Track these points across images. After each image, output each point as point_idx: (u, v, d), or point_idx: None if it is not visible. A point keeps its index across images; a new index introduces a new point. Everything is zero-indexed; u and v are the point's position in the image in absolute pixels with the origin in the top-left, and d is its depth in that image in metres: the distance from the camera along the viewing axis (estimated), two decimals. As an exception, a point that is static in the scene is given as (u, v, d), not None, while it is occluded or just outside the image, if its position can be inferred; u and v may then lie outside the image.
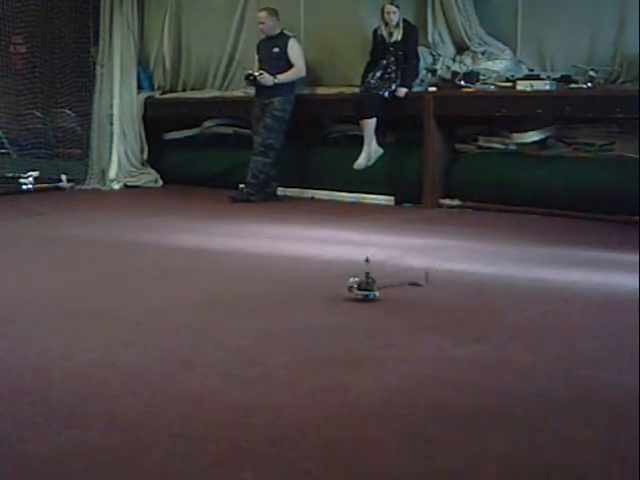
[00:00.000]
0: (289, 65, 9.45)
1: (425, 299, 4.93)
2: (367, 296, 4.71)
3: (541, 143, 8.50)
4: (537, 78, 8.38)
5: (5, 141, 11.40)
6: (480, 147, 8.90)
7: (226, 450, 2.80)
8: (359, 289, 4.71)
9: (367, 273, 4.73)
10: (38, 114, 11.51)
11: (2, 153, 11.42)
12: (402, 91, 8.87)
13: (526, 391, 3.38)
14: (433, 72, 9.15)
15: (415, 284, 5.00)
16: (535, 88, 8.23)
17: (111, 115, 11.26)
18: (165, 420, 3.06)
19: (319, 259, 6.17)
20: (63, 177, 10.60)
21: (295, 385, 3.45)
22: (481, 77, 8.71)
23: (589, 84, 8.01)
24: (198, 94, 11.21)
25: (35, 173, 10.28)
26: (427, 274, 5.01)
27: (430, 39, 9.21)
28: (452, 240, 6.96)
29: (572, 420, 3.05)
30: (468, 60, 8.97)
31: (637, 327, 4.14)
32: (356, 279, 4.73)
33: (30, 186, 10.17)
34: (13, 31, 11.13)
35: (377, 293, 4.72)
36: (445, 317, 4.56)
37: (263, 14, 9.56)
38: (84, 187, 11.19)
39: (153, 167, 11.39)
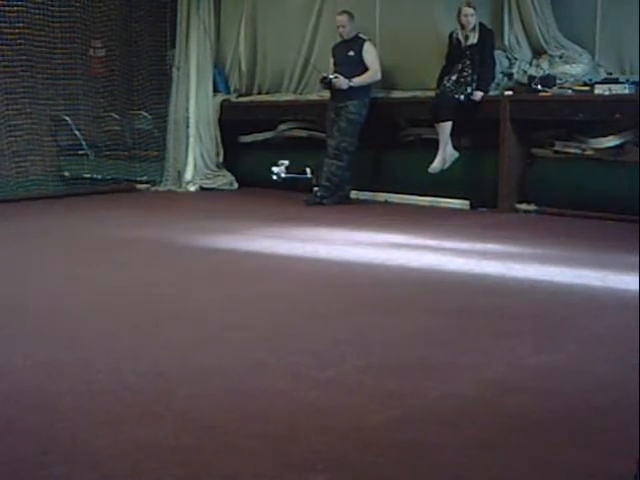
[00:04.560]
0: (364, 68, 9.45)
1: (502, 306, 4.90)
2: None
3: (618, 148, 8.38)
4: (615, 82, 8.27)
5: (83, 143, 11.57)
6: (557, 152, 8.79)
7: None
8: None
9: None
10: (115, 116, 11.67)
11: (80, 154, 11.60)
12: (478, 95, 8.83)
13: (600, 400, 3.36)
14: (509, 76, 9.08)
15: None
16: (613, 92, 8.12)
17: (187, 117, 11.38)
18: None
19: (391, 264, 6.16)
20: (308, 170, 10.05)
21: (369, 388, 3.46)
22: (558, 81, 8.61)
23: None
24: (273, 97, 11.27)
25: (286, 162, 10.04)
26: None
27: (506, 42, 9.14)
28: (528, 246, 6.90)
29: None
30: (545, 64, 8.88)
31: None
32: None
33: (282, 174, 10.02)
34: (93, 35, 11.32)
35: None
36: (521, 324, 4.53)
37: (344, 18, 9.55)
38: (160, 189, 11.34)
39: (228, 170, 11.48)
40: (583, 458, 2.80)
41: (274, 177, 9.94)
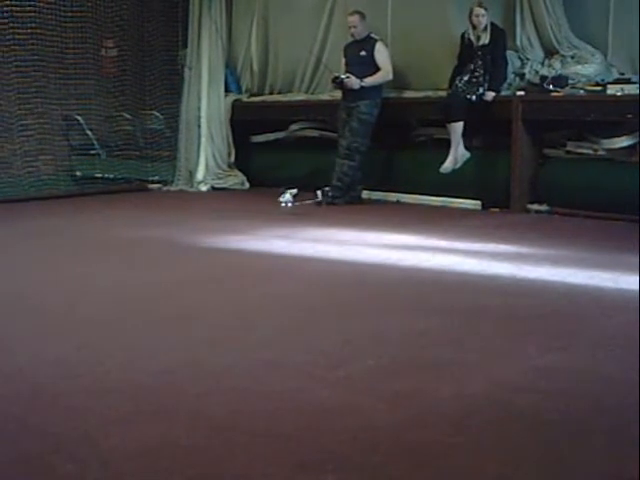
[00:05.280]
0: (376, 68, 9.43)
1: (513, 306, 4.89)
2: None
3: (631, 149, 8.35)
4: (628, 82, 8.25)
5: (95, 142, 11.59)
6: (569, 152, 8.77)
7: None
8: None
9: None
10: (127, 116, 11.69)
11: (92, 154, 11.61)
12: (490, 95, 8.82)
13: (608, 400, 3.35)
14: (521, 76, 9.07)
15: None
16: (626, 92, 8.09)
17: (199, 117, 11.39)
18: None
19: (403, 264, 6.15)
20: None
21: (379, 388, 3.45)
22: (570, 81, 8.60)
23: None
24: (285, 97, 11.26)
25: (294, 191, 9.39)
26: None
27: (518, 43, 9.13)
28: (540, 246, 6.88)
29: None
30: (557, 64, 8.87)
31: None
32: None
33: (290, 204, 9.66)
34: (105, 35, 11.35)
35: None
36: (532, 324, 4.51)
37: (355, 18, 9.53)
38: (171, 188, 11.36)
39: (240, 169, 11.48)
40: (590, 459, 2.79)
41: (282, 205, 9.75)
